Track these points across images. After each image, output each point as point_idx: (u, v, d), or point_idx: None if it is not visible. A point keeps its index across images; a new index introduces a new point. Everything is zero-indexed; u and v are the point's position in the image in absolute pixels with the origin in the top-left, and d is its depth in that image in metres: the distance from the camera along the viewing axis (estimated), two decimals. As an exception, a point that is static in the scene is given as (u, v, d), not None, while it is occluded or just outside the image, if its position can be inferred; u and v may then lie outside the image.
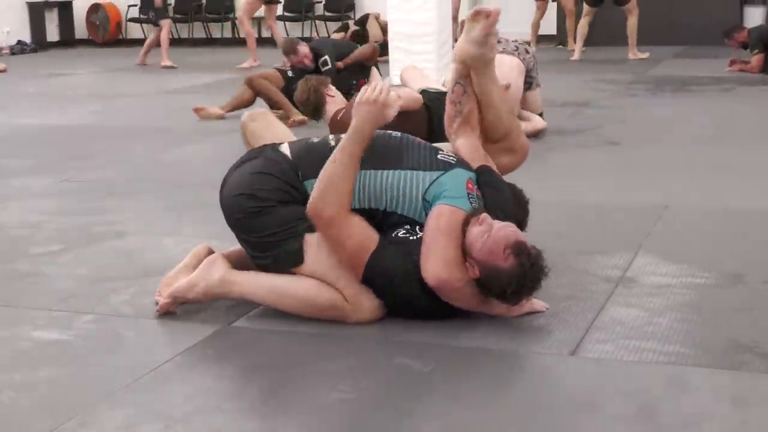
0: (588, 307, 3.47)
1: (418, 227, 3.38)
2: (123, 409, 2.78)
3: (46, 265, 4.22)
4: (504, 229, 3.24)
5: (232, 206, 3.50)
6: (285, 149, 3.57)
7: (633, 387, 2.83)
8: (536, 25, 13.66)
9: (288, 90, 8.05)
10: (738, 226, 4.58)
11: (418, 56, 10.48)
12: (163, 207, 5.20)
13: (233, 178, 3.55)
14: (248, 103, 8.37)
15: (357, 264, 3.28)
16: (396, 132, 3.59)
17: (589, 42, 12.91)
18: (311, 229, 3.35)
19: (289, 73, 8.47)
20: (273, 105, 8.21)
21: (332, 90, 6.20)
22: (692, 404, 2.72)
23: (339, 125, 5.65)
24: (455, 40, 13.82)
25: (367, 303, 3.32)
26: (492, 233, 3.21)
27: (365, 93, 3.36)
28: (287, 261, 3.37)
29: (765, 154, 6.05)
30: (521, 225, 3.57)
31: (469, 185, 3.39)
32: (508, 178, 3.74)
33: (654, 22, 12.64)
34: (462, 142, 3.67)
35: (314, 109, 6.21)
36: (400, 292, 3.30)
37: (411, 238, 3.35)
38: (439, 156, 3.49)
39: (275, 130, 4.30)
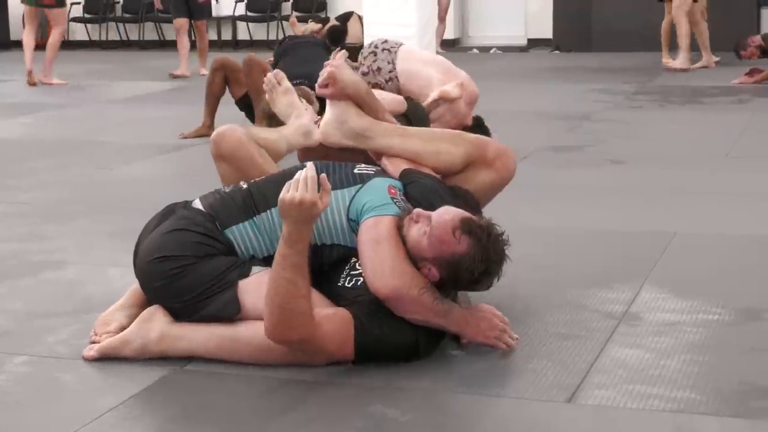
0: (587, 348, 3.48)
1: (358, 263, 3.41)
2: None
3: (-26, 299, 4.20)
4: (444, 215, 3.29)
5: (148, 274, 3.50)
6: (197, 204, 3.59)
7: (637, 438, 2.84)
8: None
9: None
10: (754, 255, 4.61)
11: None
12: (106, 233, 5.17)
13: (145, 243, 3.56)
14: (220, 92, 8.22)
15: (345, 354, 3.27)
16: (307, 162, 3.59)
17: (585, 48, 12.99)
18: (242, 275, 3.37)
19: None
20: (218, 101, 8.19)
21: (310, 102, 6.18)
22: (704, 458, 2.73)
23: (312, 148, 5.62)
24: (441, 44, 13.95)
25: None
26: (433, 223, 3.25)
27: (287, 193, 3.14)
28: (224, 312, 3.37)
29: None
30: None
31: (392, 190, 3.46)
32: (497, 199, 3.75)
33: (659, 26, 12.70)
34: (390, 164, 3.77)
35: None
36: (397, 353, 3.30)
37: (360, 283, 3.37)
38: (355, 170, 3.57)
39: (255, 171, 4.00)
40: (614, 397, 3.09)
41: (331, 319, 3.24)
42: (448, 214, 3.29)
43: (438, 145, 3.82)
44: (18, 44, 16.84)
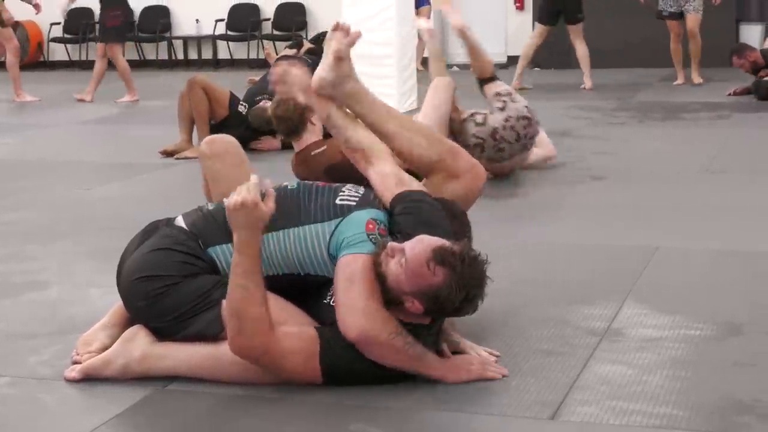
0: (570, 364, 3.48)
1: None
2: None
3: (-45, 321, 4.18)
4: (416, 246, 3.24)
5: (132, 293, 3.50)
6: (180, 222, 3.59)
7: (620, 454, 2.85)
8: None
9: (232, 121, 8.10)
10: (736, 270, 4.62)
11: (377, 80, 10.52)
12: (87, 252, 5.16)
13: (129, 262, 3.55)
14: (191, 111, 8.24)
15: (312, 376, 3.25)
16: (292, 183, 3.62)
17: (565, 65, 13.03)
18: (225, 294, 3.31)
19: (241, 108, 8.38)
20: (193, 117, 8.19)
21: (316, 118, 6.16)
22: (687, 473, 2.74)
23: (309, 162, 5.66)
24: (421, 62, 13.97)
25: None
26: (407, 256, 3.22)
27: (231, 199, 3.20)
28: (207, 330, 3.36)
29: (761, 190, 6.12)
30: (462, 237, 3.51)
31: (369, 226, 3.38)
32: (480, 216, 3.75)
33: (639, 42, 12.78)
34: (373, 173, 3.71)
35: (292, 128, 6.13)
36: (367, 374, 3.28)
37: None
38: (338, 200, 3.51)
39: (243, 171, 4.09)
40: (597, 414, 3.09)
41: (294, 336, 3.24)
42: (421, 244, 3.24)
43: (415, 136, 3.83)
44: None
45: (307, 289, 3.44)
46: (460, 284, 3.17)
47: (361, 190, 3.62)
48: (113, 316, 3.67)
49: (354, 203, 3.49)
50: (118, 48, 12.19)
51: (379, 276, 3.27)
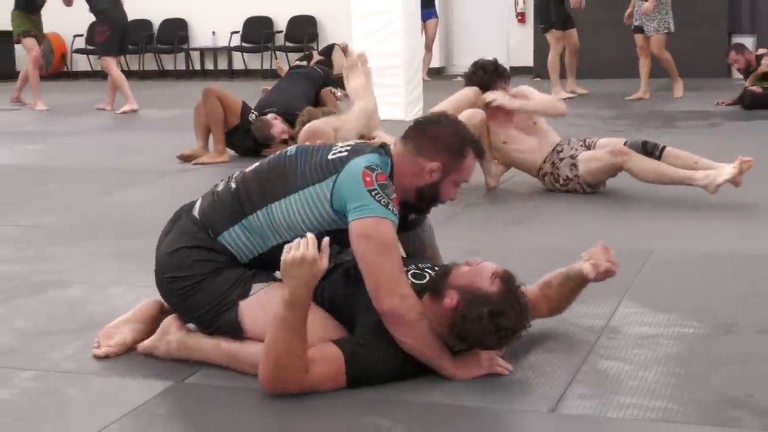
0: (569, 360, 3.48)
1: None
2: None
3: (-17, 318, 4.19)
4: (493, 265, 3.27)
5: (164, 291, 3.56)
6: (196, 210, 3.54)
7: (618, 446, 2.84)
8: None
9: (243, 128, 8.14)
10: (728, 270, 4.62)
11: (386, 89, 10.55)
12: (109, 254, 5.17)
13: (158, 258, 3.55)
14: (207, 121, 8.29)
15: (338, 387, 3.22)
16: (291, 149, 3.54)
17: (563, 75, 13.03)
18: (243, 294, 3.35)
19: (252, 116, 8.39)
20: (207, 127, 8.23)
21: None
22: (681, 464, 2.74)
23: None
24: (428, 72, 13.99)
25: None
26: (479, 265, 3.25)
27: (288, 253, 3.11)
28: (231, 332, 3.39)
29: (754, 194, 6.11)
30: None
31: (366, 179, 3.24)
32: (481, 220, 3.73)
33: (635, 52, 12.73)
34: None
35: None
36: (387, 376, 3.27)
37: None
38: (330, 155, 3.38)
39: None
40: (595, 407, 3.09)
41: (320, 362, 3.18)
42: (496, 266, 3.27)
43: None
44: (23, 75, 16.89)
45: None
46: (499, 310, 3.14)
47: (349, 143, 3.52)
48: (139, 311, 3.70)
49: (346, 154, 3.37)
50: (110, 60, 12.17)
51: (445, 271, 3.30)
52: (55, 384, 3.42)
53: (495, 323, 3.15)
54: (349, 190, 3.26)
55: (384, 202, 3.22)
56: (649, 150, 6.21)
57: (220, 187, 3.55)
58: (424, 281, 3.39)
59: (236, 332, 3.37)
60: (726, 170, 5.78)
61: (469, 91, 6.59)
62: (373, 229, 3.21)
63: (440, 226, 4.25)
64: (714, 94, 11.33)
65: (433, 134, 3.41)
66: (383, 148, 3.45)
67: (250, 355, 3.32)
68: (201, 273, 3.41)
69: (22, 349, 3.75)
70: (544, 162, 6.52)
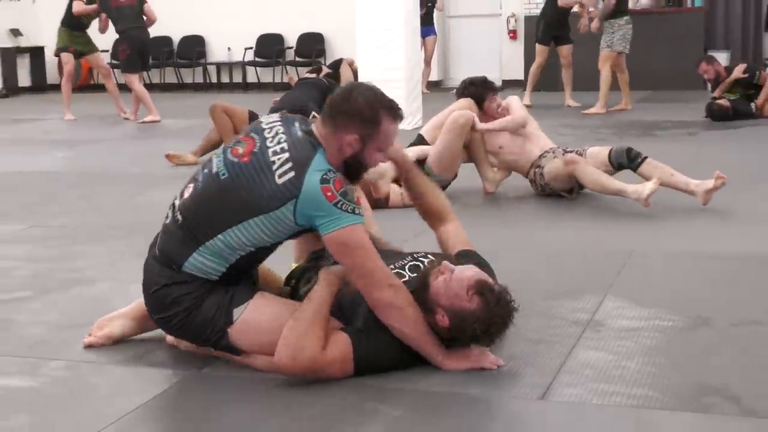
0: (557, 351, 3.47)
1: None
2: (91, 457, 2.75)
3: (16, 312, 4.18)
4: (465, 272, 3.23)
5: (161, 326, 3.44)
6: (156, 247, 3.41)
7: (602, 431, 2.82)
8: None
9: None
10: (704, 269, 4.61)
11: (387, 101, 10.54)
12: (131, 253, 5.14)
13: (144, 294, 3.42)
14: (219, 144, 8.35)
15: (346, 373, 3.20)
16: (217, 164, 3.30)
17: (553, 88, 13.04)
18: (228, 322, 3.24)
19: None
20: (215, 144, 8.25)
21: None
22: (661, 448, 2.72)
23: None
24: (427, 85, 13.98)
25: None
26: (453, 276, 3.21)
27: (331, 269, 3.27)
28: (232, 352, 3.32)
29: (728, 198, 6.10)
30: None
31: (328, 194, 3.08)
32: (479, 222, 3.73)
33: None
34: (451, 226, 3.76)
35: None
36: (391, 365, 3.26)
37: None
38: (278, 179, 3.14)
39: None
40: (582, 395, 3.08)
41: (332, 344, 3.16)
42: (469, 271, 3.24)
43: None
44: (53, 87, 16.90)
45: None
46: (487, 318, 3.15)
47: (281, 135, 3.24)
48: (131, 310, 3.64)
49: (293, 174, 3.12)
50: (132, 76, 12.20)
51: (423, 284, 3.25)
52: (82, 373, 3.42)
53: (487, 334, 3.19)
54: (313, 209, 3.11)
55: (350, 209, 3.11)
56: (632, 157, 6.21)
57: (168, 220, 3.39)
58: (414, 276, 3.39)
59: (237, 352, 3.31)
60: (648, 186, 5.78)
61: (464, 102, 6.60)
62: (347, 238, 3.11)
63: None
64: (691, 105, 11.31)
65: (346, 108, 3.20)
66: (310, 135, 3.23)
67: (263, 364, 3.28)
68: (184, 308, 3.26)
69: (51, 340, 3.75)
70: (530, 167, 6.53)
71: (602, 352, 3.46)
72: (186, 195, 3.36)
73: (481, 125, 6.51)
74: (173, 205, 3.40)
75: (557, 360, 3.38)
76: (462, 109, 6.49)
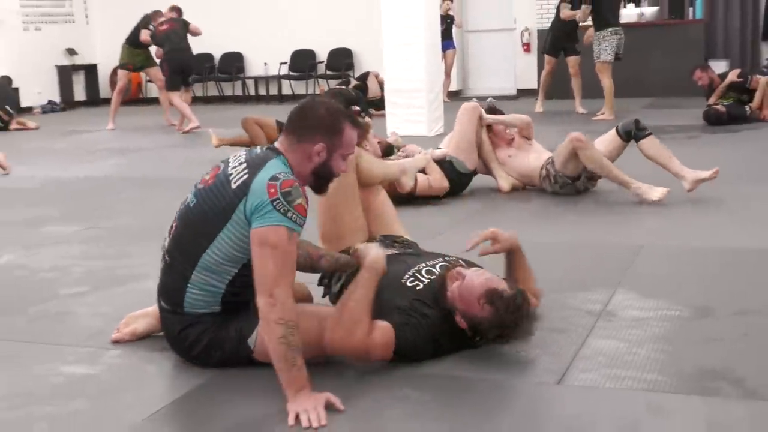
0: (572, 339, 3.46)
1: (425, 269, 3.37)
2: (146, 438, 2.77)
3: (75, 305, 4.21)
4: (475, 279, 3.21)
5: (196, 363, 3.31)
6: (161, 299, 3.33)
7: (615, 413, 2.82)
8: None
9: None
10: (709, 262, 4.58)
11: (411, 110, 10.56)
12: (181, 251, 5.18)
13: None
14: (248, 144, 8.38)
15: (386, 358, 3.19)
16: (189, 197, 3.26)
17: (564, 96, 12.97)
18: (248, 351, 3.17)
19: None
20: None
21: (368, 143, 6.11)
22: (670, 428, 2.71)
23: None
24: (447, 95, 13.95)
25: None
26: (464, 283, 3.20)
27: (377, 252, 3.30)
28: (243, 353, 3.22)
29: (730, 195, 6.06)
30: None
31: (271, 190, 2.94)
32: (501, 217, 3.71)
33: (625, 76, 12.69)
34: None
35: None
36: (425, 352, 3.25)
37: (417, 287, 3.31)
38: (234, 185, 3.03)
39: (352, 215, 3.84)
40: (596, 379, 3.07)
41: (378, 330, 3.15)
42: (478, 278, 3.21)
43: None
44: (106, 101, 17.00)
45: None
46: (499, 324, 3.15)
47: (242, 157, 3.15)
48: (156, 310, 3.50)
49: (247, 176, 3.03)
50: (173, 94, 12.27)
51: (441, 287, 3.26)
52: (136, 361, 3.44)
53: (501, 337, 3.20)
54: (256, 205, 2.96)
55: (283, 210, 2.92)
56: (641, 127, 6.28)
57: (161, 266, 3.30)
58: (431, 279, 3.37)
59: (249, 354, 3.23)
60: (658, 191, 5.85)
61: (468, 106, 6.79)
62: (265, 237, 2.91)
63: (458, 224, 4.23)
64: (691, 111, 11.22)
65: (309, 120, 3.08)
66: (271, 149, 3.14)
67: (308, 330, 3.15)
68: (203, 347, 3.20)
69: (107, 331, 3.76)
70: (542, 168, 6.53)
71: (614, 340, 3.45)
72: (170, 237, 3.28)
73: (488, 117, 6.64)
74: (162, 247, 3.32)
75: (573, 347, 3.37)
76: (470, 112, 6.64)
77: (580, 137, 6.20)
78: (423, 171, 6.39)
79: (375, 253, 3.31)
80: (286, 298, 2.89)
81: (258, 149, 3.19)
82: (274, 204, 2.92)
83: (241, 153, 3.21)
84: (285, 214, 2.92)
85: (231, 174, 3.09)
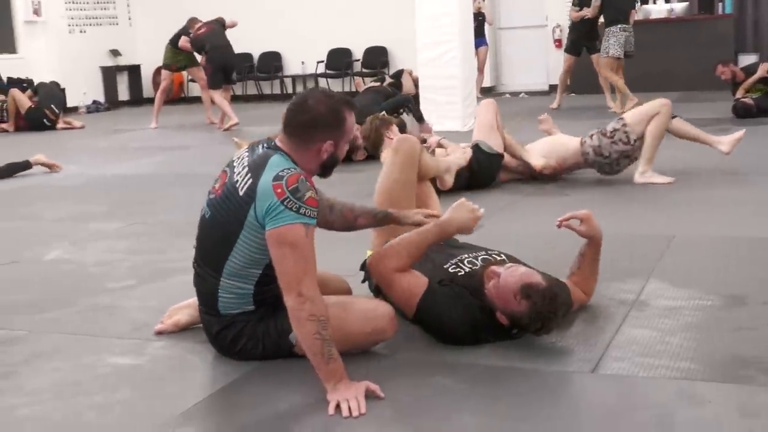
0: (606, 328, 3.44)
1: (467, 259, 3.39)
2: (191, 426, 2.78)
3: (122, 299, 4.25)
4: (509, 277, 3.19)
5: (239, 359, 3.29)
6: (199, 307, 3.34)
7: (649, 401, 2.79)
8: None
9: None
10: (740, 252, 4.53)
11: (445, 106, 10.55)
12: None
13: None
14: None
15: (408, 310, 3.24)
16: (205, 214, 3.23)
17: (594, 91, 12.87)
18: (289, 345, 3.15)
19: None
20: None
21: (393, 133, 6.13)
22: (703, 415, 2.68)
23: None
24: (480, 91, 13.90)
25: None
26: (500, 282, 3.19)
27: (466, 203, 3.36)
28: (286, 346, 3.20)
29: (759, 186, 5.98)
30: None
31: (278, 191, 2.89)
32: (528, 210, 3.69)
33: (655, 70, 12.59)
34: None
35: (372, 146, 6.27)
36: (448, 332, 3.25)
37: (459, 273, 3.34)
38: (241, 192, 3.00)
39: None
40: (629, 368, 3.05)
41: (412, 276, 3.27)
42: (513, 276, 3.19)
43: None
44: (149, 101, 17.13)
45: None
46: (538, 316, 3.13)
47: (245, 160, 3.09)
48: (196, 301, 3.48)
49: (251, 180, 2.99)
50: (214, 92, 12.31)
51: (480, 285, 3.26)
52: (179, 352, 3.46)
53: (543, 329, 3.18)
54: (265, 207, 2.91)
55: (295, 207, 2.86)
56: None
57: (193, 274, 3.30)
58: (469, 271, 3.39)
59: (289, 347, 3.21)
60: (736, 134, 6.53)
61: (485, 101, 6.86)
62: (283, 237, 2.87)
63: (501, 211, 4.21)
64: (721, 104, 11.10)
65: (310, 122, 3.00)
66: (271, 147, 3.08)
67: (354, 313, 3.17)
68: (243, 345, 3.20)
69: (153, 323, 3.77)
70: (582, 141, 6.61)
71: (647, 329, 3.41)
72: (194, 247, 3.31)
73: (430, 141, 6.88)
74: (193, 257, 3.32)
75: (606, 336, 3.35)
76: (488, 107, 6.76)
77: (669, 103, 6.46)
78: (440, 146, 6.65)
79: (464, 218, 3.35)
80: (314, 293, 2.86)
81: (259, 147, 3.15)
82: (285, 203, 2.88)
83: (244, 153, 3.16)
84: (298, 211, 2.87)
85: (237, 181, 3.05)
